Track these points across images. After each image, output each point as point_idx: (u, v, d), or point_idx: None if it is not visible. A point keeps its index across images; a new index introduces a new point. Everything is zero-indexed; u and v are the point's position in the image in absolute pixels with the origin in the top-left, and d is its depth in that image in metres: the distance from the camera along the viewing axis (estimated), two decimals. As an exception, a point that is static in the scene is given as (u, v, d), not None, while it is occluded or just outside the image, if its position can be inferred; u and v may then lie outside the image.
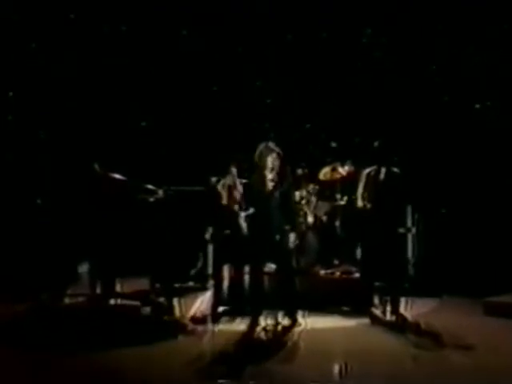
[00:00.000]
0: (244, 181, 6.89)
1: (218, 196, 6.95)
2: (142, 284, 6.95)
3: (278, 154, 6.27)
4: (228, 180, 6.99)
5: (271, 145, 6.32)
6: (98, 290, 6.61)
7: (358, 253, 7.45)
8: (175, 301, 6.58)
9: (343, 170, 7.80)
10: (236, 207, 6.80)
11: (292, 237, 6.27)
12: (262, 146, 6.32)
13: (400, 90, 8.91)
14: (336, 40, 9.21)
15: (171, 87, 9.33)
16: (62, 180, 7.37)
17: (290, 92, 9.35)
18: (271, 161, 6.27)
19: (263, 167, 6.30)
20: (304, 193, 7.78)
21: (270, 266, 6.74)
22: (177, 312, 6.50)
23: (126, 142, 9.10)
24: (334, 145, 8.23)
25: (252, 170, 6.47)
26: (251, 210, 6.49)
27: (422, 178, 8.00)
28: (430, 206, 8.31)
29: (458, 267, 7.96)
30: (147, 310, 6.42)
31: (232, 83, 9.38)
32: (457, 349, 5.58)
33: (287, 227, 6.27)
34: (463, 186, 8.57)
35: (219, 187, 6.99)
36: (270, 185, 6.26)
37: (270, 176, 6.30)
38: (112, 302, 6.58)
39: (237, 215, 6.76)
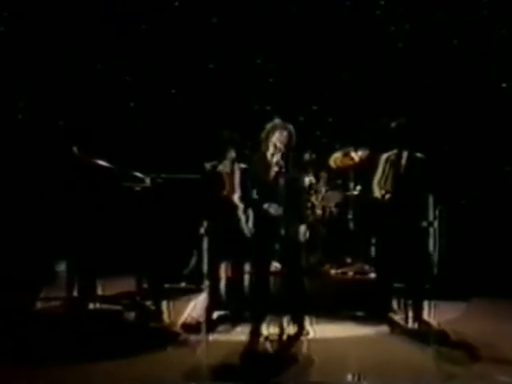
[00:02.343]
0: (244, 166, 6.67)
1: (214, 184, 6.79)
2: (127, 285, 6.80)
3: (288, 133, 5.97)
4: (225, 166, 6.80)
5: (279, 122, 6.03)
6: (76, 292, 6.44)
7: (374, 249, 7.36)
8: (164, 305, 6.47)
9: (357, 155, 7.60)
10: (235, 197, 6.64)
11: (301, 231, 6.01)
12: (269, 124, 6.03)
13: (420, 63, 8.88)
14: (347, 9, 9.20)
15: (162, 61, 9.34)
16: (35, 165, 7.15)
17: (295, 69, 9.32)
18: (277, 141, 5.95)
19: (267, 148, 6.00)
20: (312, 181, 7.64)
21: (275, 265, 6.46)
22: (166, 318, 6.38)
23: (111, 124, 9.13)
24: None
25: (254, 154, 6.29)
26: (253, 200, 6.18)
27: (449, 163, 8.00)
28: (455, 197, 8.23)
29: (488, 265, 7.93)
30: (132, 315, 6.28)
31: (230, 59, 9.34)
32: (495, 363, 5.35)
33: (295, 220, 6.00)
34: (493, 173, 8.61)
35: (216, 173, 6.82)
36: (275, 170, 5.93)
37: (275, 159, 5.96)
38: (91, 306, 6.45)
39: (236, 206, 6.61)
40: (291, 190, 5.93)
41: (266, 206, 5.86)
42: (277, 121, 6.06)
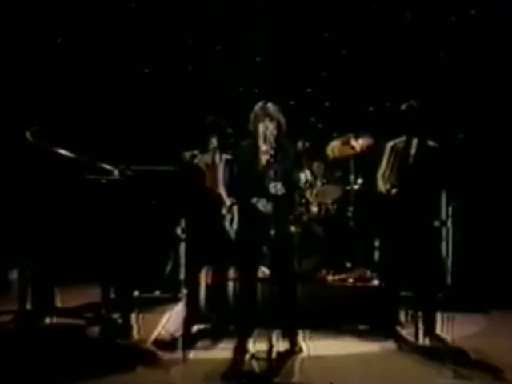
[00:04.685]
0: (228, 157, 6.73)
1: (193, 177, 6.82)
2: (90, 294, 6.59)
3: (277, 118, 5.96)
4: (206, 157, 6.82)
5: (270, 106, 5.99)
6: (30, 305, 6.33)
7: (378, 253, 7.47)
8: (134, 317, 6.29)
9: (358, 144, 7.50)
10: (218, 191, 6.67)
11: (293, 231, 6.11)
12: (256, 107, 6.01)
13: (432, 34, 9.01)
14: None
15: (132, 36, 9.46)
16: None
17: (285, 44, 9.39)
18: (266, 128, 5.94)
19: (257, 135, 5.98)
20: (306, 174, 7.71)
21: (263, 270, 6.55)
22: (136, 333, 6.22)
23: (73, 107, 9.15)
24: None
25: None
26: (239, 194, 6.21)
27: (465, 153, 8.14)
28: (472, 192, 8.22)
29: (509, 272, 7.90)
30: (96, 330, 6.15)
31: (211, 33, 9.48)
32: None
33: (287, 218, 6.00)
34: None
35: (195, 165, 6.86)
36: (264, 159, 5.94)
37: (263, 148, 5.97)
38: (48, 320, 6.34)
39: (218, 203, 6.60)
40: (283, 183, 5.94)
41: (254, 200, 5.83)
42: (265, 104, 6.02)
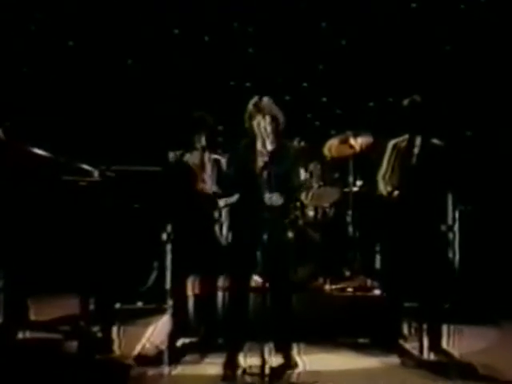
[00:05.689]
0: (217, 157, 6.78)
1: (180, 179, 6.81)
2: (67, 306, 6.47)
3: (273, 116, 5.95)
4: (194, 156, 6.80)
5: (263, 101, 5.96)
6: (1, 318, 6.19)
7: (379, 260, 7.43)
8: (115, 331, 6.09)
9: (357, 143, 7.59)
10: (207, 193, 6.68)
11: (290, 237, 6.11)
12: (250, 104, 6.01)
13: (435, 25, 9.02)
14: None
15: (114, 26, 9.48)
16: None
17: (280, 35, 9.39)
18: (258, 125, 5.91)
19: (254, 134, 5.95)
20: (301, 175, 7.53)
21: (256, 279, 6.51)
22: (117, 348, 6.02)
23: (51, 103, 9.16)
24: None
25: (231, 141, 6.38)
26: (233, 198, 6.26)
27: (472, 152, 8.10)
28: (480, 195, 8.32)
29: None
30: (73, 345, 5.94)
31: (199, 24, 9.49)
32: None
33: (283, 223, 6.01)
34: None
35: (182, 165, 6.83)
36: (261, 161, 5.89)
37: (259, 148, 5.96)
38: (21, 334, 6.18)
39: (207, 206, 6.65)
40: (280, 187, 5.90)
41: (267, 196, 5.81)
42: (263, 99, 5.98)
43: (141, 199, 6.97)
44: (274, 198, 5.77)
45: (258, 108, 5.92)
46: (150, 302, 7.51)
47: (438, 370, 5.98)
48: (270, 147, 5.90)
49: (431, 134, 6.53)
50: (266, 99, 5.99)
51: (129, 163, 7.22)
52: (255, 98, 6.00)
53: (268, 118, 5.90)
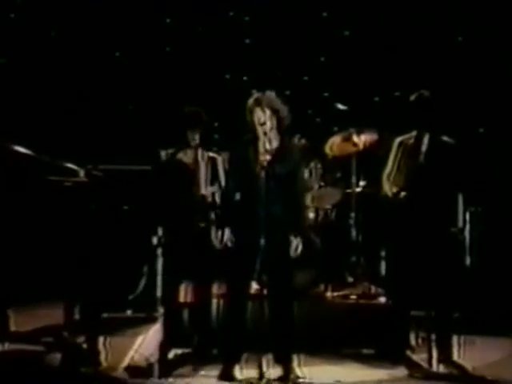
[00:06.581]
0: (212, 155, 6.76)
1: (172, 179, 6.81)
2: (50, 315, 6.51)
3: (272, 109, 5.91)
4: (186, 155, 6.78)
5: (264, 95, 5.96)
6: None
7: (384, 265, 7.51)
8: (102, 341, 6.14)
9: (360, 140, 7.62)
10: (201, 194, 6.67)
11: (294, 243, 5.98)
12: (250, 100, 6.00)
13: (447, 15, 9.01)
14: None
15: (101, 16, 9.49)
16: None
17: (279, 26, 9.38)
18: (258, 120, 5.91)
19: (255, 131, 5.94)
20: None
21: (254, 286, 6.35)
22: (104, 359, 6.07)
23: (35, 100, 9.15)
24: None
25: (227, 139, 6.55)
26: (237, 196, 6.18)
27: (484, 151, 8.14)
28: (491, 196, 8.30)
29: None
30: (57, 357, 5.98)
31: (192, 13, 9.48)
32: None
33: (288, 228, 5.97)
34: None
35: (174, 164, 6.82)
36: (263, 160, 5.89)
37: (260, 145, 5.95)
38: (0, 346, 6.21)
39: (201, 208, 6.65)
40: (283, 188, 5.90)
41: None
42: (266, 94, 5.97)
43: (130, 200, 6.98)
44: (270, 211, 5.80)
45: (258, 101, 5.91)
46: (139, 310, 7.46)
47: (448, 383, 5.96)
48: (272, 145, 5.91)
49: (440, 130, 6.49)
50: (267, 92, 5.97)
51: (117, 162, 7.23)
52: (255, 96, 5.98)
53: (268, 112, 5.87)
